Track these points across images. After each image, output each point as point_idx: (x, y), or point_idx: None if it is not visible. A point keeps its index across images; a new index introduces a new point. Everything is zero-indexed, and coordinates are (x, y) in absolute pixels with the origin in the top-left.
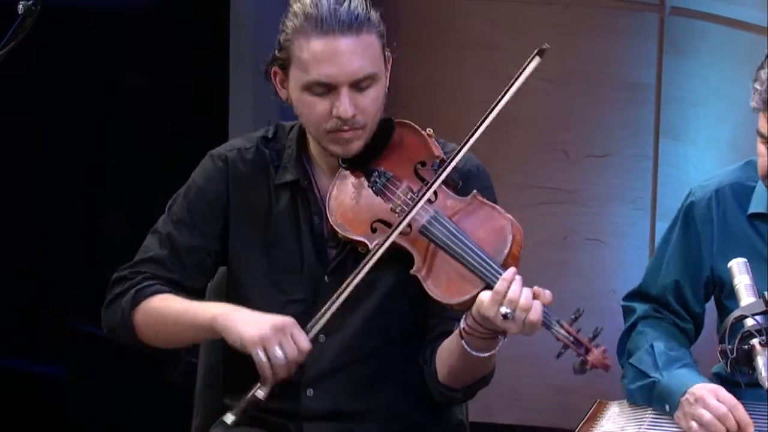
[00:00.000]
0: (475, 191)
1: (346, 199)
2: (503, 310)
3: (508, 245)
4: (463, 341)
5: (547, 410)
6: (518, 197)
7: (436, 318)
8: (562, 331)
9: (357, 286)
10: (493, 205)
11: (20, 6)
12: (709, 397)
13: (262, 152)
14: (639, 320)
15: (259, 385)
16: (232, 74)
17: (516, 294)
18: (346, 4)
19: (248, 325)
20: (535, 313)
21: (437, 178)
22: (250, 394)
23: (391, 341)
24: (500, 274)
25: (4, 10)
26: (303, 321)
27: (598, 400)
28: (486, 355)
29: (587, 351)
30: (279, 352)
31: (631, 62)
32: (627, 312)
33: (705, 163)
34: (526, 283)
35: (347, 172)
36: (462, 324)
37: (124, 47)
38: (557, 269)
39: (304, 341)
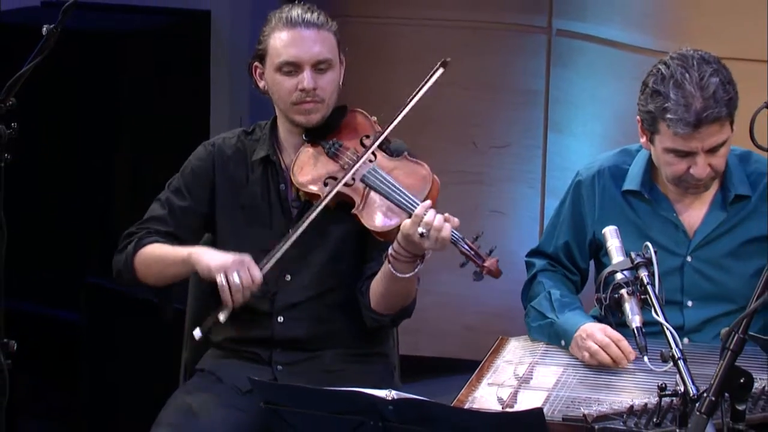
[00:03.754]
0: (405, 153)
1: (306, 163)
2: (420, 229)
3: (428, 188)
4: (389, 265)
5: (462, 345)
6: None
7: (371, 261)
8: (466, 246)
9: (313, 235)
10: (418, 161)
11: (44, 28)
12: (599, 333)
13: (242, 140)
14: (538, 272)
15: (220, 308)
16: (213, 81)
17: (430, 218)
18: (311, 11)
19: (214, 258)
20: (445, 231)
21: (375, 141)
22: (213, 314)
23: (342, 281)
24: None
25: (30, 31)
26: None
27: (500, 336)
28: (408, 275)
29: (484, 261)
30: (236, 279)
31: (526, 73)
32: (528, 266)
33: (583, 151)
34: None
35: (308, 145)
36: (390, 250)
37: (124, 63)
38: (468, 233)
39: (256, 272)
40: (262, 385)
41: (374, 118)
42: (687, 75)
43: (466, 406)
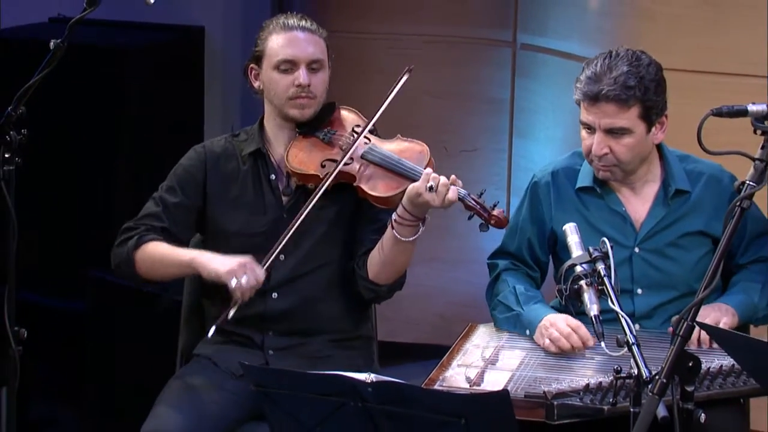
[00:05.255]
0: (398, 135)
1: (301, 150)
2: (429, 184)
3: (427, 159)
4: (393, 231)
5: (434, 332)
6: None
7: (365, 240)
8: (472, 201)
9: (307, 217)
10: (413, 139)
11: (52, 43)
12: (561, 322)
13: (230, 141)
14: (501, 272)
15: (231, 306)
16: (206, 91)
17: (438, 177)
18: (306, 21)
19: (220, 263)
20: (452, 191)
21: (368, 124)
22: (224, 315)
23: (332, 261)
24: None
25: (39, 46)
26: (264, 248)
27: (470, 324)
28: (411, 239)
29: (489, 213)
30: (245, 279)
31: (493, 83)
32: (491, 267)
33: (545, 155)
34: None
35: (300, 137)
36: (394, 216)
37: (125, 74)
38: (440, 230)
39: (260, 271)
40: (253, 370)
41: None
42: (603, 59)
43: (437, 385)
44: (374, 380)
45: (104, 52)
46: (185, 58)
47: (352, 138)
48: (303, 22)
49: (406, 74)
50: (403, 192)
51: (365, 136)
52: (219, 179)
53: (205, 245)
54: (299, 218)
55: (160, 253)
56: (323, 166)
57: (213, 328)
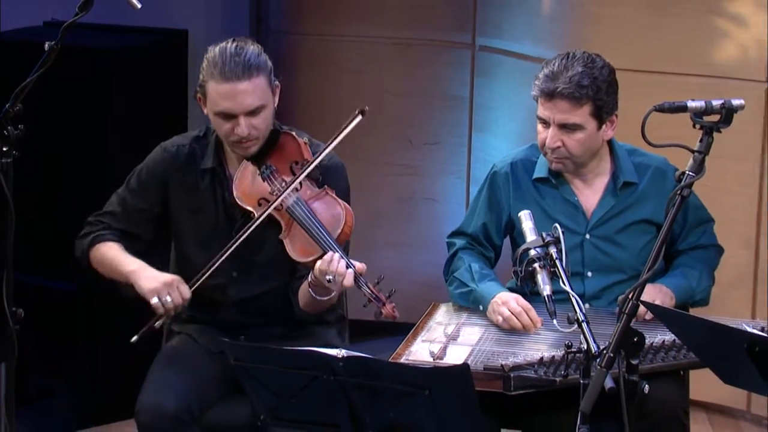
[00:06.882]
0: (326, 186)
1: (245, 182)
2: (327, 277)
3: (341, 227)
4: (310, 289)
5: (401, 310)
6: (380, 171)
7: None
8: (368, 290)
9: (255, 238)
10: (335, 197)
11: (46, 45)
12: (512, 301)
13: (194, 148)
14: (459, 250)
15: (156, 318)
16: (190, 90)
17: (334, 267)
18: (242, 55)
19: (147, 281)
20: (348, 279)
21: (298, 177)
22: (149, 324)
23: (280, 280)
24: (334, 245)
25: (33, 47)
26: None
27: (433, 303)
28: (326, 298)
29: (383, 304)
30: (168, 299)
31: (454, 82)
32: (450, 245)
33: (502, 147)
34: (383, 227)
35: (248, 163)
36: (309, 278)
37: (114, 75)
38: (406, 218)
39: (185, 290)
40: (231, 346)
41: (305, 140)
42: (561, 59)
43: (404, 359)
44: (345, 355)
45: (94, 53)
46: (170, 60)
47: (284, 185)
48: (240, 63)
49: (359, 116)
50: (316, 260)
51: (299, 182)
52: (180, 188)
53: (174, 243)
54: (226, 252)
55: (109, 257)
56: (260, 204)
57: (136, 337)
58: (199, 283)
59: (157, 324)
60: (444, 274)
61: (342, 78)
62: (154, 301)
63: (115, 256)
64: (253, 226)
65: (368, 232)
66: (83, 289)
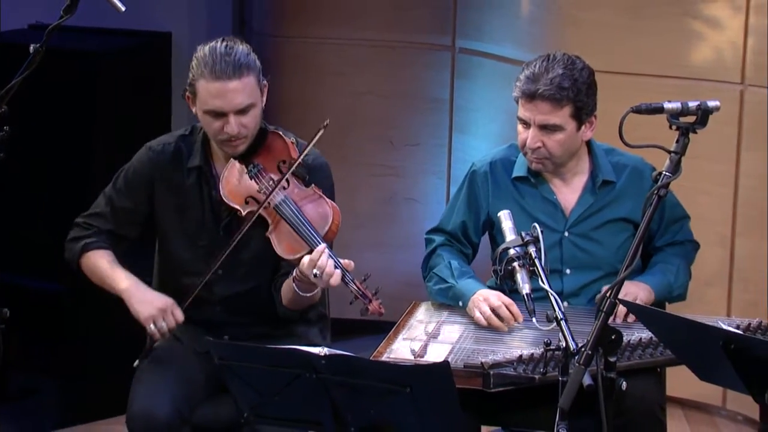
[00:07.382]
0: (313, 184)
1: (232, 180)
2: (314, 271)
3: (329, 225)
4: (294, 284)
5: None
6: (361, 171)
7: (284, 263)
8: (354, 287)
9: (240, 242)
10: (323, 195)
11: (31, 47)
12: (493, 297)
13: (179, 146)
14: (437, 247)
15: (152, 342)
16: (174, 92)
17: (323, 263)
18: (232, 55)
19: (142, 306)
20: (336, 277)
21: (285, 175)
22: (147, 347)
23: (265, 277)
24: (320, 244)
25: (18, 50)
26: (205, 259)
27: (414, 301)
28: (309, 294)
29: (370, 301)
30: (162, 324)
31: (435, 84)
32: (428, 242)
33: (482, 148)
34: (365, 227)
35: (235, 162)
36: (294, 273)
37: (98, 77)
38: (386, 217)
39: (178, 313)
40: (216, 345)
41: (291, 140)
42: (541, 61)
43: (385, 357)
44: (327, 353)
45: (79, 55)
46: (154, 62)
47: (272, 183)
48: (231, 61)
49: (322, 129)
50: (302, 257)
51: (286, 179)
52: (166, 186)
53: (159, 241)
54: (217, 263)
55: (100, 270)
56: (247, 203)
57: (137, 361)
58: (188, 302)
59: (154, 344)
60: (422, 270)
61: (324, 80)
62: (151, 328)
63: (106, 268)
64: (244, 230)
65: (349, 232)
66: (69, 288)
